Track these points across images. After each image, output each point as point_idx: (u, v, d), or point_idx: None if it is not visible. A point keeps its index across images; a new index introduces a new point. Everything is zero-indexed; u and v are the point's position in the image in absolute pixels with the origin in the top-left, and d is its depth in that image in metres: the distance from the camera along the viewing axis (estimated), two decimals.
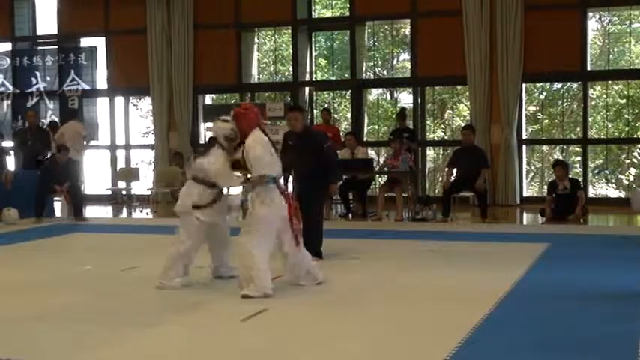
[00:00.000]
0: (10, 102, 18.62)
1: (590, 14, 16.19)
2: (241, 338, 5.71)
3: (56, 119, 17.82)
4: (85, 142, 16.27)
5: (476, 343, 5.37)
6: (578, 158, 17.35)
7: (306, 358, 5.26)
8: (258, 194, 7.13)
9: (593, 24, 18.67)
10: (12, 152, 17.38)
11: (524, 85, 15.37)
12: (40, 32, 19.08)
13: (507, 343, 5.41)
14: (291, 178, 9.22)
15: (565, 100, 19.19)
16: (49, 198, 14.13)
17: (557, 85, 18.77)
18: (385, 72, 20.22)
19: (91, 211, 15.36)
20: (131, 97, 19.20)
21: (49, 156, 14.74)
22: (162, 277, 7.52)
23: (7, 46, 19.12)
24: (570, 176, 13.24)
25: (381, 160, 15.16)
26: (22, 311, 6.63)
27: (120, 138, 18.41)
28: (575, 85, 18.04)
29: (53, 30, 18.80)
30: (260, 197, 7.12)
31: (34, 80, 18.55)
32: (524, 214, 14.37)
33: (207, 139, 8.06)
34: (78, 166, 16.23)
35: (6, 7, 18.70)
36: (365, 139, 16.61)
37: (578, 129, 16.82)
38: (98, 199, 17.01)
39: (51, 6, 18.74)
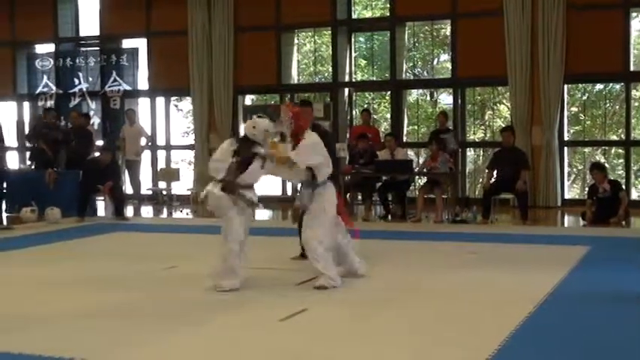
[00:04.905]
0: (53, 102, 18.85)
1: (634, 14, 15.96)
2: (278, 339, 5.73)
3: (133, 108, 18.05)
4: (145, 145, 17.22)
5: (516, 347, 5.33)
6: (621, 160, 17.15)
7: (343, 359, 5.26)
8: (321, 193, 7.49)
9: (637, 24, 18.42)
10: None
11: (565, 86, 15.21)
12: (82, 33, 19.29)
13: (548, 347, 5.36)
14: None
15: (607, 102, 18.98)
16: (92, 197, 14.31)
17: (599, 86, 18.57)
18: (425, 73, 20.15)
19: (135, 211, 15.56)
20: (172, 98, 19.33)
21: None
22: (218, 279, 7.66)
23: (50, 47, 19.37)
24: (611, 178, 13.10)
25: (421, 161, 15.12)
26: (63, 309, 6.72)
27: (160, 138, 18.55)
28: (617, 86, 17.83)
29: (95, 31, 18.99)
30: (324, 195, 7.50)
31: (76, 81, 18.75)
32: (566, 217, 14.24)
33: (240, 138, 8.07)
34: (137, 167, 16.80)
35: (49, 9, 18.93)
36: (404, 139, 16.56)
37: (621, 130, 16.64)
38: (139, 199, 17.13)
39: (93, 7, 18.94)
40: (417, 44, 19.02)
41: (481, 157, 18.81)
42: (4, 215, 13.47)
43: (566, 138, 15.68)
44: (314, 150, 7.50)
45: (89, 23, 19.18)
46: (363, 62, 19.95)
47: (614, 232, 11.57)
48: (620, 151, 17.20)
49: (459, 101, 16.23)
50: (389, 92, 17.54)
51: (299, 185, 8.04)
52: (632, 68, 15.11)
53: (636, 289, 7.32)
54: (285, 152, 7.54)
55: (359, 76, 19.00)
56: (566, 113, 15.62)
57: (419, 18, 16.81)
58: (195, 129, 17.88)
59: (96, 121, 18.43)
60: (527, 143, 14.79)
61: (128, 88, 18.33)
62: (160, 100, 18.55)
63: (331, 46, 17.28)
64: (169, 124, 18.69)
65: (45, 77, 18.99)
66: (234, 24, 17.12)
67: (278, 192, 16.91)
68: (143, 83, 18.47)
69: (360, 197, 14.88)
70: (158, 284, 7.85)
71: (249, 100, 18.27)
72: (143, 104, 18.66)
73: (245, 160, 7.46)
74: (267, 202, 13.21)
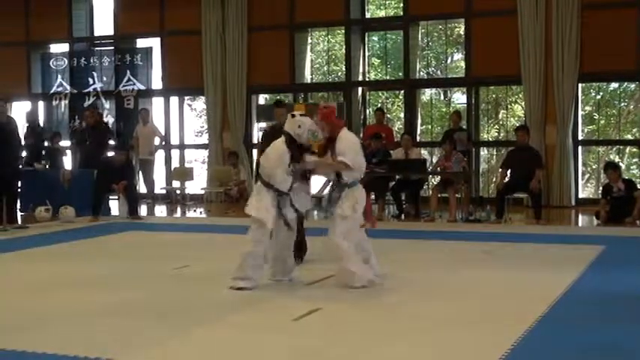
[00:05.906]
0: (67, 102, 18.92)
1: None
2: (292, 339, 5.72)
3: (147, 108, 18.05)
4: (158, 144, 17.26)
5: (530, 346, 5.32)
6: (635, 159, 17.06)
7: (357, 359, 5.26)
8: (349, 196, 7.36)
9: None
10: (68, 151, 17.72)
11: (580, 84, 15.15)
12: (97, 33, 19.36)
13: (561, 347, 5.34)
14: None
15: (622, 101, 18.90)
16: (106, 197, 14.35)
17: (614, 85, 18.49)
18: (439, 72, 20.11)
19: (149, 210, 15.60)
20: (185, 97, 19.37)
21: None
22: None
23: (64, 47, 19.44)
24: (625, 177, 13.04)
25: (434, 161, 15.10)
26: (77, 308, 6.73)
27: (174, 137, 18.59)
28: (632, 86, 17.75)
29: (110, 31, 19.06)
30: (352, 198, 7.36)
31: (90, 81, 18.82)
32: (580, 216, 14.19)
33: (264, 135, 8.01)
34: (151, 166, 16.86)
35: (64, 9, 19.01)
36: (418, 139, 16.53)
37: (636, 130, 16.56)
38: (153, 198, 17.17)
39: (108, 7, 19.02)
40: (430, 43, 18.99)
41: (495, 157, 18.75)
42: (19, 214, 13.54)
43: (580, 137, 15.63)
44: (356, 150, 7.46)
45: (103, 23, 19.26)
46: (376, 61, 19.94)
47: (629, 231, 11.52)
48: (635, 150, 17.11)
49: (473, 100, 16.20)
50: (402, 91, 17.52)
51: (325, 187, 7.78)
52: None
53: None
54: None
55: (372, 76, 18.99)
56: (580, 112, 15.58)
57: (432, 17, 16.80)
58: (208, 128, 17.91)
59: (110, 120, 18.48)
60: (541, 142, 14.74)
61: (142, 87, 18.39)
62: (174, 100, 18.59)
63: (344, 45, 17.27)
64: (183, 123, 18.72)
65: (59, 77, 19.07)
66: (248, 23, 17.15)
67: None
68: (157, 83, 18.52)
69: (373, 196, 14.86)
70: (171, 284, 7.86)
71: (262, 99, 18.28)
72: (157, 104, 18.71)
73: (303, 176, 7.48)
74: None
